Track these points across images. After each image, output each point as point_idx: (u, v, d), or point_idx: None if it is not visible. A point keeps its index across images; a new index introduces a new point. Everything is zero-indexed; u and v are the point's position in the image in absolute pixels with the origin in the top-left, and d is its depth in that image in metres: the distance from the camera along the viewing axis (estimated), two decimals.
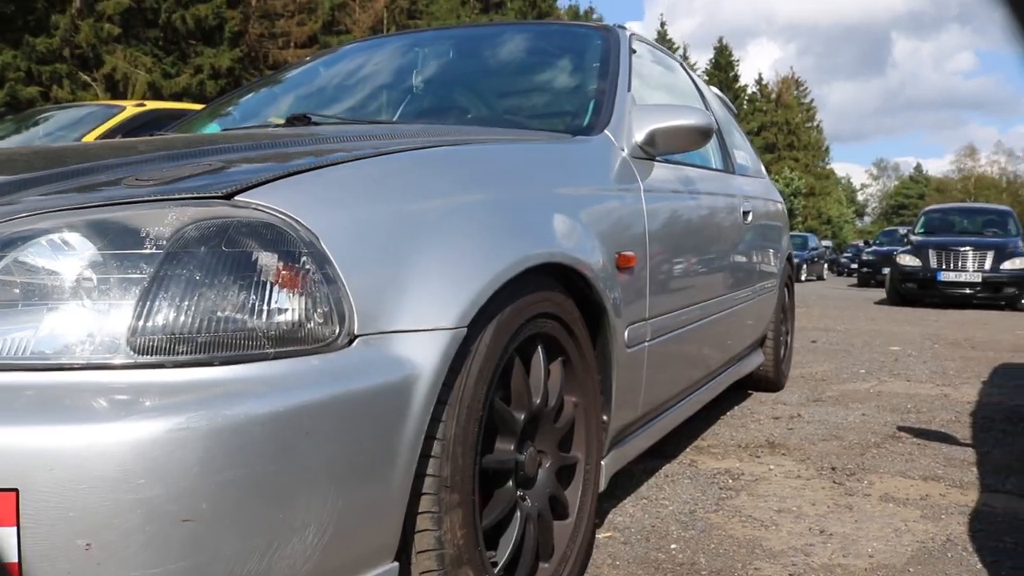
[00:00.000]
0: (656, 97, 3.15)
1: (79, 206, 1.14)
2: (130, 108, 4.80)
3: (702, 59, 67.18)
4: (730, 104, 4.52)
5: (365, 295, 1.22)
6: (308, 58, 3.45)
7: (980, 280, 11.78)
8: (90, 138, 4.47)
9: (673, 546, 2.18)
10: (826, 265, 28.31)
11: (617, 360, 1.96)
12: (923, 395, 4.48)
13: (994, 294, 11.76)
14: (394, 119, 2.55)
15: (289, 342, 1.14)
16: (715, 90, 4.38)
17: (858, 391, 4.58)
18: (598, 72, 2.51)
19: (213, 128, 3.03)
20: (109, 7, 29.46)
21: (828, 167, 61.55)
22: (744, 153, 4.00)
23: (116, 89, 31.02)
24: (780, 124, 55.09)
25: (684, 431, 3.33)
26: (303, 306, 1.15)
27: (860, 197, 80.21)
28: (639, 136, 2.27)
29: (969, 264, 11.92)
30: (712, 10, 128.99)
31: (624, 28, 2.92)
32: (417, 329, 1.27)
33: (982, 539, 2.28)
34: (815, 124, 59.02)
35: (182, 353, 1.06)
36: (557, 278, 1.69)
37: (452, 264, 1.35)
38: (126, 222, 1.11)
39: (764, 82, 57.04)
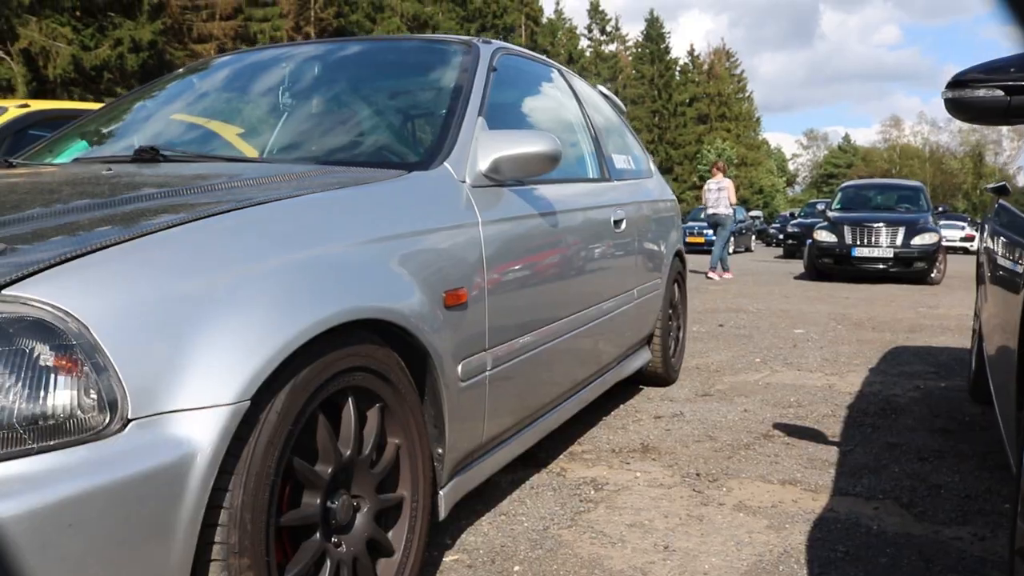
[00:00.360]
0: (528, 112, 3.18)
1: None
2: (12, 110, 4.65)
3: (634, 30, 67.21)
4: (618, 103, 4.56)
5: (140, 378, 1.23)
6: (180, 71, 3.41)
7: (892, 256, 12.15)
8: None
9: (516, 568, 2.24)
10: (754, 236, 28.81)
11: (449, 396, 2.00)
12: (809, 386, 4.63)
13: (905, 268, 12.15)
14: (239, 153, 2.53)
15: (55, 435, 1.16)
16: (603, 89, 4.42)
17: (747, 383, 4.71)
18: (449, 96, 2.51)
19: (79, 147, 2.98)
20: None
21: (760, 137, 62.44)
22: (627, 156, 4.05)
23: (34, 63, 29.95)
24: (712, 95, 55.69)
25: (562, 435, 3.40)
26: (70, 399, 1.17)
27: (791, 167, 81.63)
28: (483, 165, 2.29)
29: (882, 240, 12.28)
30: None
31: (489, 43, 2.92)
32: (194, 407, 1.28)
33: (817, 549, 2.38)
34: (746, 95, 59.78)
35: None
36: (371, 328, 1.71)
37: (236, 337, 1.36)
38: None
39: (696, 54, 57.58)
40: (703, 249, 22.74)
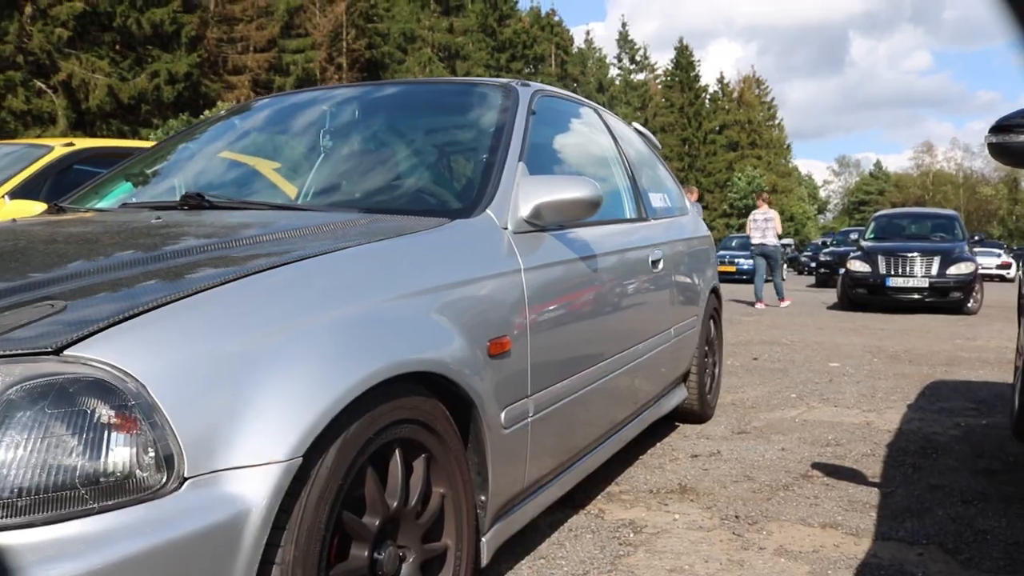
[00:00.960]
0: (566, 153, 3.21)
1: None
2: (58, 148, 4.77)
3: (663, 59, 67.47)
4: (653, 139, 4.58)
5: (195, 437, 1.26)
6: (223, 112, 3.48)
7: (927, 285, 12.01)
8: (17, 181, 4.43)
9: None
10: (786, 264, 28.61)
11: (492, 444, 2.01)
12: (847, 424, 4.58)
13: (941, 299, 12.00)
14: (285, 199, 2.56)
15: (114, 494, 1.18)
16: (637, 126, 4.45)
17: (784, 420, 4.67)
18: (490, 141, 2.54)
19: (124, 189, 3.06)
20: (62, 12, 29.05)
21: (790, 164, 62.19)
22: (663, 194, 4.06)
23: (74, 95, 30.61)
24: (742, 123, 55.63)
25: (599, 475, 3.39)
26: (129, 458, 1.20)
27: (822, 194, 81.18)
28: (525, 211, 2.31)
29: (917, 270, 12.15)
30: (673, 11, 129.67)
31: (528, 85, 2.96)
32: (248, 465, 1.31)
33: None
34: (776, 122, 59.65)
35: (3, 517, 1.10)
36: (417, 380, 1.73)
37: (288, 394, 1.39)
38: None
39: (726, 81, 57.63)
40: (734, 278, 22.69)
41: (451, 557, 1.89)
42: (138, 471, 1.20)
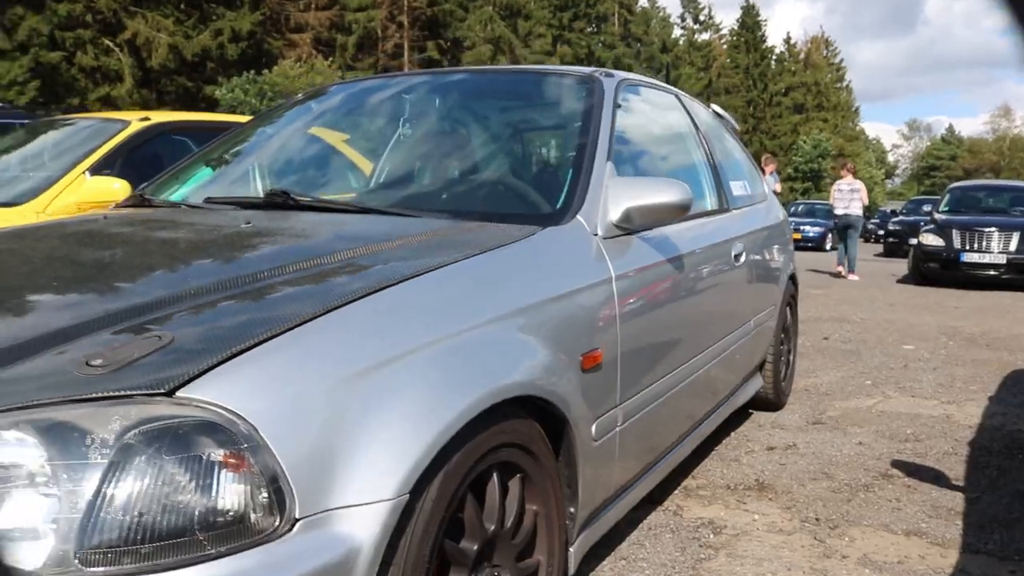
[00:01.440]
0: (649, 146, 3.13)
1: (28, 404, 1.18)
2: (134, 123, 4.82)
3: (728, 18, 65.82)
4: (732, 122, 4.46)
5: (305, 477, 1.25)
6: (300, 95, 3.47)
7: (1005, 262, 11.61)
8: (96, 157, 4.49)
9: None
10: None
11: (583, 457, 1.99)
12: (925, 416, 4.46)
13: (1019, 275, 11.59)
14: (365, 199, 2.53)
15: (232, 538, 1.19)
16: (716, 108, 4.33)
17: (860, 410, 4.57)
18: (577, 140, 2.49)
19: (204, 175, 3.07)
20: None
21: (858, 128, 60.54)
22: (743, 182, 3.96)
23: (139, 53, 31.04)
24: (809, 85, 54.23)
25: (676, 468, 3.36)
26: (245, 501, 1.20)
27: (891, 158, 78.94)
28: (614, 215, 2.26)
29: (994, 245, 11.75)
30: None
31: (611, 75, 2.88)
32: (357, 504, 1.30)
33: None
34: (844, 84, 57.99)
35: (128, 563, 1.12)
36: (514, 403, 1.70)
37: (394, 429, 1.37)
38: (75, 423, 1.16)
39: (792, 42, 56.08)
40: (799, 246, 22.23)
41: (543, 572, 1.89)
42: (252, 514, 1.20)
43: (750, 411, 4.40)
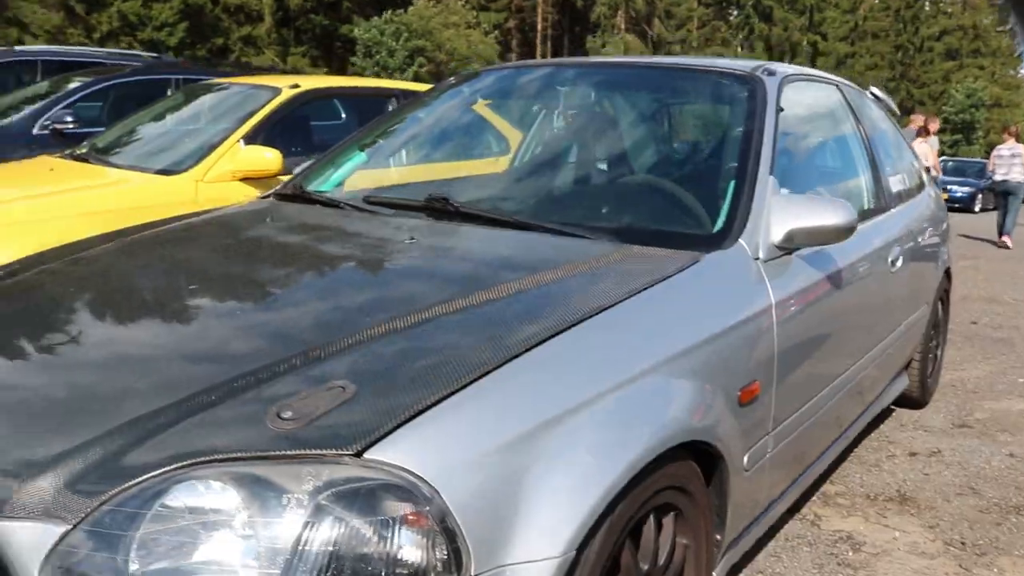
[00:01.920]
0: (809, 148, 3.02)
1: (229, 457, 1.27)
2: (285, 91, 4.95)
3: None
4: (892, 106, 4.25)
5: (480, 535, 1.31)
6: (452, 79, 3.50)
7: None
8: (250, 127, 4.66)
9: None
10: None
11: (733, 488, 1.98)
12: None
13: None
14: (521, 208, 2.53)
15: None
16: (875, 91, 4.12)
17: (1011, 413, 4.36)
18: (738, 150, 2.42)
19: (359, 160, 3.16)
20: None
21: (1019, 76, 56.39)
22: (902, 175, 3.77)
23: None
24: (966, 28, 50.61)
25: None
26: (427, 560, 1.26)
27: None
28: (776, 236, 2.20)
29: None
30: None
31: (773, 73, 2.76)
32: (526, 561, 1.35)
33: None
34: (1006, 28, 53.88)
35: None
36: (676, 447, 1.70)
37: (564, 485, 1.41)
38: (271, 480, 1.25)
39: None
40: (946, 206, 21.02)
41: None
42: (432, 573, 1.26)
43: (892, 407, 4.26)
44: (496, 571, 1.32)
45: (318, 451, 1.27)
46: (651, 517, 1.70)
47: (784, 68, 2.90)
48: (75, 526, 1.24)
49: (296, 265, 2.11)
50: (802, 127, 2.97)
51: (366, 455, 1.27)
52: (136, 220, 4.02)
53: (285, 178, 4.49)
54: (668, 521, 1.78)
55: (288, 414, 1.33)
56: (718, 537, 2.04)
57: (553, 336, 1.58)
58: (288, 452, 1.27)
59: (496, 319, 1.65)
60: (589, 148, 2.82)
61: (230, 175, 4.40)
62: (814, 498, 3.17)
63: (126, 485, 1.25)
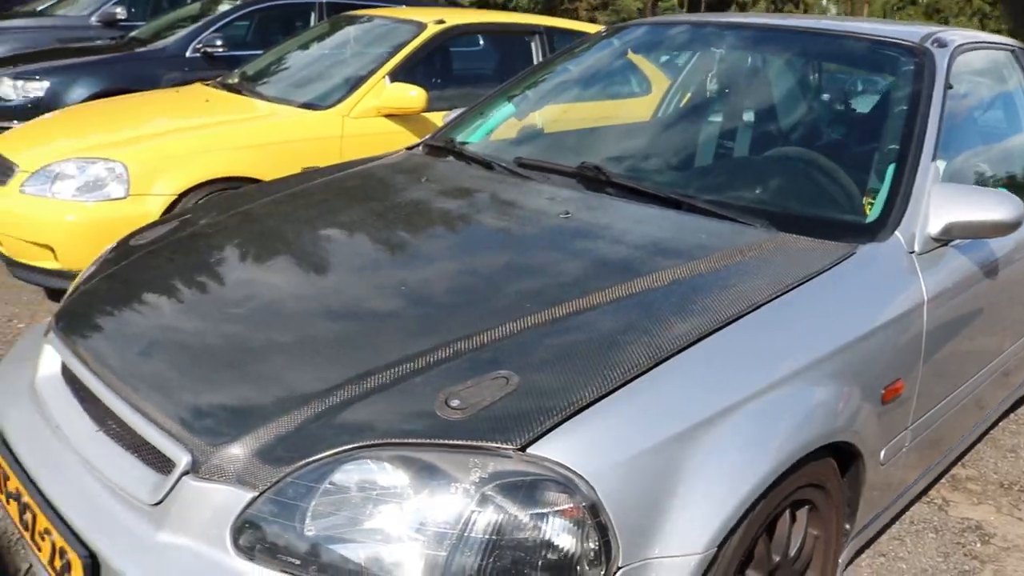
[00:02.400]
0: (976, 128, 2.87)
1: (402, 442, 1.38)
2: (431, 26, 5.00)
3: None
4: None
5: (629, 530, 1.39)
6: (603, 31, 3.47)
7: None
8: (395, 63, 4.73)
9: None
10: None
11: (868, 481, 1.99)
12: None
13: None
14: (672, 180, 2.52)
15: None
16: None
17: None
18: (900, 133, 2.32)
19: (507, 112, 3.20)
20: None
21: None
22: None
23: None
24: None
25: None
26: (579, 552, 1.35)
27: None
28: (934, 229, 2.12)
29: None
30: None
31: (944, 45, 2.61)
32: (670, 556, 1.42)
33: None
34: None
35: None
36: (818, 447, 1.72)
37: (710, 484, 1.46)
38: (440, 468, 1.35)
39: None
40: None
41: None
42: (583, 563, 1.35)
43: None
44: (641, 564, 1.40)
45: (484, 443, 1.35)
46: (787, 512, 1.73)
47: (956, 36, 2.73)
48: (262, 493, 1.37)
49: (455, 238, 2.18)
50: (972, 104, 2.83)
51: (529, 450, 1.35)
52: (285, 154, 4.23)
53: (427, 115, 4.61)
54: (802, 514, 1.81)
55: (456, 403, 1.42)
56: (847, 527, 2.05)
57: (707, 336, 1.61)
58: (456, 442, 1.36)
59: (651, 312, 1.68)
60: (740, 115, 2.77)
61: (375, 111, 4.52)
62: (943, 480, 3.12)
63: (307, 460, 1.37)
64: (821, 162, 2.46)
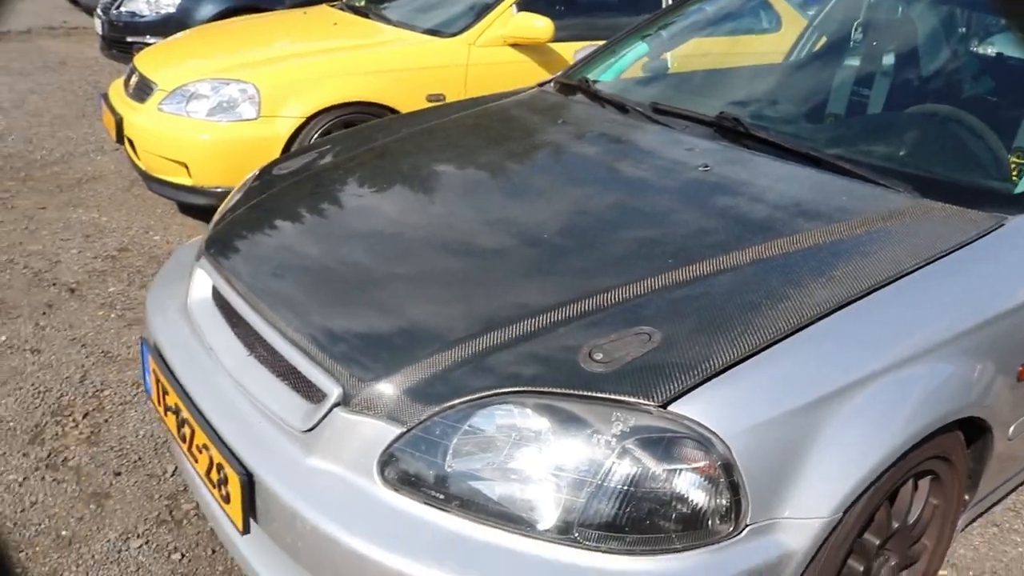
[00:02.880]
0: None
1: (546, 391, 1.44)
2: None
3: None
4: None
5: (759, 490, 1.42)
6: None
7: None
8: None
9: None
10: None
11: (996, 456, 1.97)
12: None
13: None
14: (813, 136, 2.45)
15: (695, 537, 1.40)
16: None
17: None
18: None
19: (640, 51, 3.16)
20: None
21: None
22: None
23: None
24: None
25: None
26: (711, 507, 1.40)
27: None
28: None
29: None
30: None
31: None
32: (797, 517, 1.45)
33: None
34: None
35: (613, 545, 1.38)
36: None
37: (841, 452, 1.48)
38: (582, 418, 1.41)
39: None
40: None
41: (926, 555, 1.97)
42: (714, 518, 1.39)
43: None
44: (768, 523, 1.44)
45: (627, 398, 1.40)
46: (910, 483, 1.74)
47: None
48: (409, 430, 1.46)
49: (595, 186, 2.16)
50: None
51: (670, 408, 1.39)
52: (411, 80, 4.26)
53: (552, 46, 4.57)
54: (924, 484, 1.82)
55: (599, 356, 1.47)
56: (967, 497, 2.05)
57: (846, 304, 1.61)
58: (600, 395, 1.41)
59: (792, 277, 1.68)
60: (883, 64, 2.67)
61: (501, 40, 4.51)
62: None
63: (454, 402, 1.45)
64: (972, 123, 2.35)
